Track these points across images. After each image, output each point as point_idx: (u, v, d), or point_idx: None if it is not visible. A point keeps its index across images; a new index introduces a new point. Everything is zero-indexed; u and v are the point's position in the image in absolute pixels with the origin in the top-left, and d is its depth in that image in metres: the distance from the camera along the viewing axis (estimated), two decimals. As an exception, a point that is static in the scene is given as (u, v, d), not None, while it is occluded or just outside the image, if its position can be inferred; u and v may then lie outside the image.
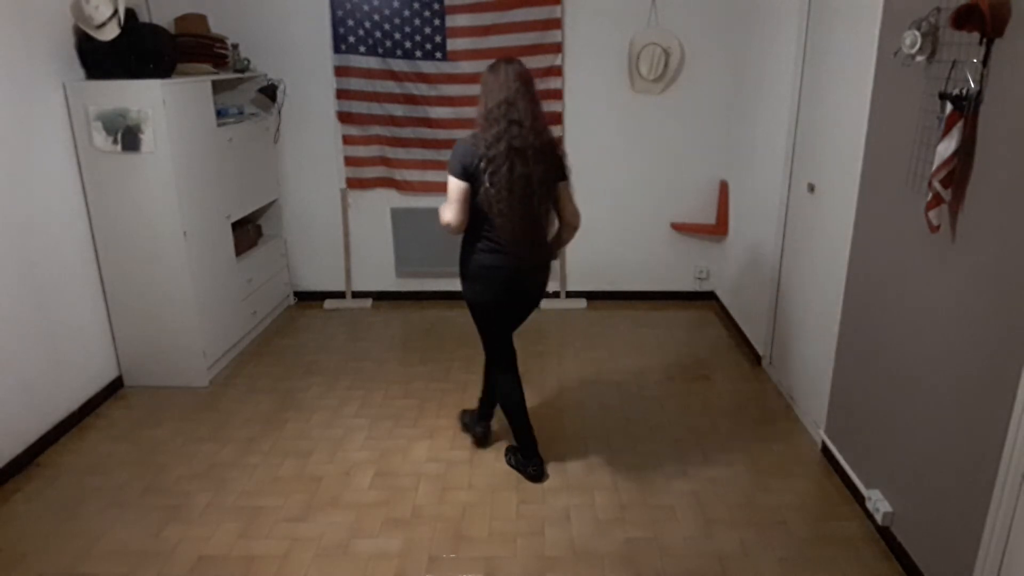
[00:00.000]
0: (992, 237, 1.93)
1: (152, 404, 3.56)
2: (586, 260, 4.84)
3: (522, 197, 2.52)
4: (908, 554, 2.35)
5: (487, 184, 2.51)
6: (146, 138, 3.33)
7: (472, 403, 3.52)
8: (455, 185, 2.55)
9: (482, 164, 2.50)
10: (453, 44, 4.35)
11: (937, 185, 2.05)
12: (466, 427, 3.23)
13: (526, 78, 2.55)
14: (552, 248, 2.78)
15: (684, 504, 2.75)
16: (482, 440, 3.14)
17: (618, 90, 4.48)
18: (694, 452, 3.09)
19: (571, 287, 4.91)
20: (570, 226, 2.74)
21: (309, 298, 4.98)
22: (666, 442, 3.17)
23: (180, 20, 3.98)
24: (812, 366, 3.20)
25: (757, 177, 3.96)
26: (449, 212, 2.58)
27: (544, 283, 2.81)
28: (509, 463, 2.99)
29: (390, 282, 4.93)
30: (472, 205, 2.58)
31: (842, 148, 2.88)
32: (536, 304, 2.89)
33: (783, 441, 3.17)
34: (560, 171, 2.64)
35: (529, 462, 2.92)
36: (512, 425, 2.92)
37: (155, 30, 3.57)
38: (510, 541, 2.56)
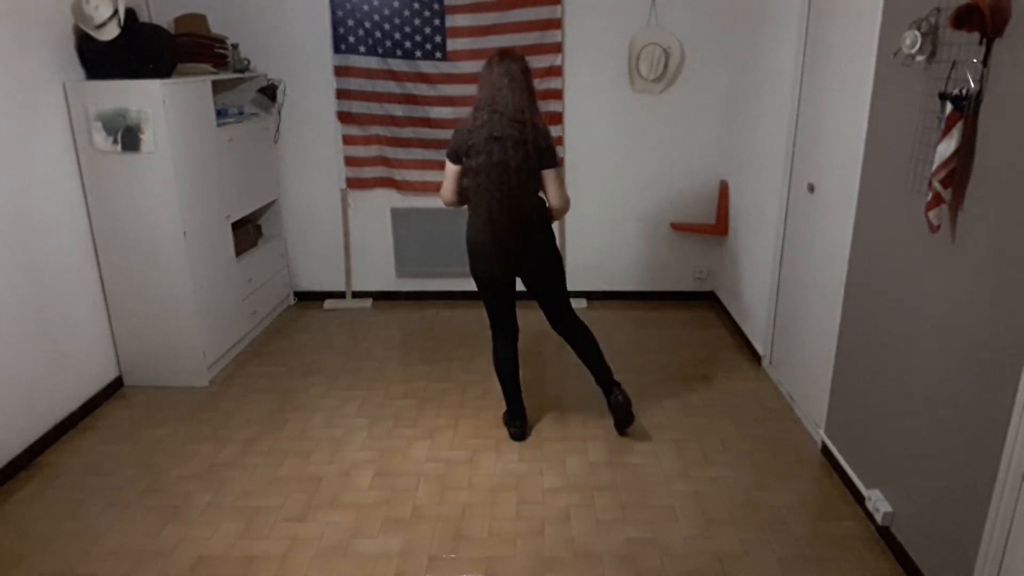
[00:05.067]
0: (992, 237, 1.93)
1: (152, 404, 3.56)
2: (586, 260, 4.84)
3: (498, 182, 2.79)
4: (908, 554, 2.35)
5: (472, 165, 2.82)
6: (146, 138, 3.34)
7: (472, 403, 3.53)
8: (447, 166, 2.92)
9: (466, 147, 2.82)
10: (453, 44, 4.35)
11: (937, 185, 2.05)
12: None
13: (513, 74, 2.79)
14: (536, 225, 2.94)
15: (684, 504, 2.75)
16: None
17: (618, 90, 4.48)
18: (694, 452, 3.09)
19: (571, 287, 4.90)
20: (555, 209, 2.96)
21: (309, 298, 4.98)
22: (666, 441, 3.17)
23: (180, 20, 3.98)
24: (812, 366, 3.20)
25: (757, 177, 3.97)
26: (443, 188, 2.98)
27: (536, 256, 2.99)
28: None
29: (390, 282, 4.93)
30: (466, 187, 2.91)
31: (842, 148, 2.88)
32: (542, 275, 3.05)
33: (783, 441, 3.17)
34: (543, 159, 2.83)
35: (511, 422, 3.20)
36: (500, 385, 3.21)
37: (155, 30, 3.57)
38: (510, 541, 2.56)
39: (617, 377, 3.51)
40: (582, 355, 3.22)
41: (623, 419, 3.16)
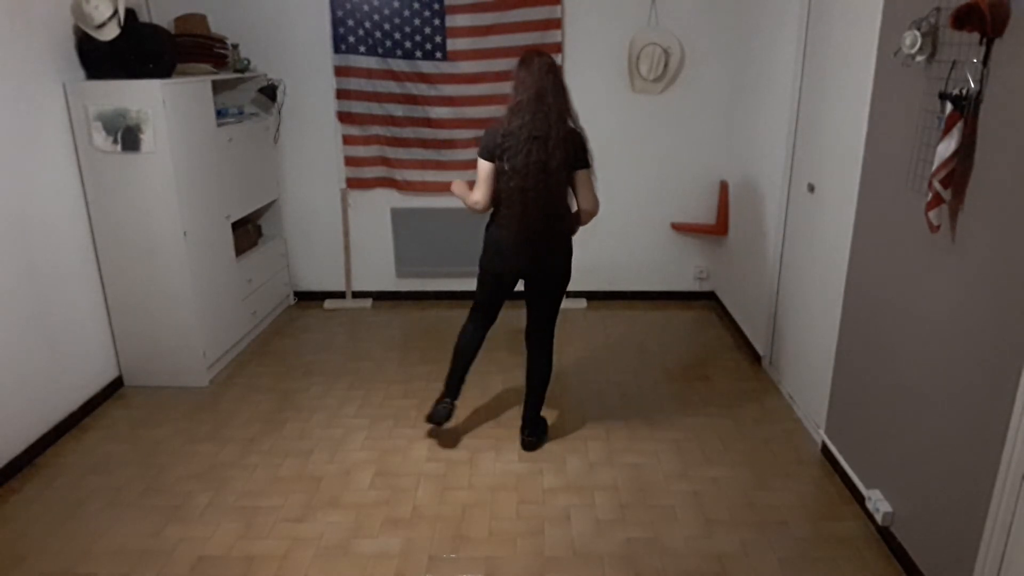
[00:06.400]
0: (992, 237, 1.93)
1: (152, 404, 3.56)
2: (586, 260, 4.82)
3: (535, 183, 2.73)
4: (908, 554, 2.35)
5: (505, 167, 2.76)
6: (146, 138, 3.33)
7: (471, 403, 3.53)
8: (481, 165, 2.82)
9: (500, 150, 2.75)
10: (453, 44, 4.35)
11: (937, 185, 2.05)
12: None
13: (556, 72, 2.77)
14: (565, 230, 2.91)
15: (684, 504, 2.75)
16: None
17: (618, 90, 4.48)
18: (694, 452, 3.09)
19: (571, 287, 4.88)
20: (585, 212, 2.90)
21: (309, 298, 4.98)
22: (666, 442, 3.17)
23: (180, 20, 3.98)
24: (812, 366, 3.20)
25: (757, 177, 3.97)
26: (477, 191, 2.85)
27: (555, 264, 2.94)
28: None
29: (390, 282, 4.93)
30: (497, 186, 2.84)
31: (842, 148, 2.88)
32: (549, 287, 2.99)
33: (783, 441, 3.17)
34: (579, 159, 2.80)
35: (443, 399, 3.12)
36: (452, 361, 3.12)
37: (155, 30, 3.57)
38: (510, 541, 2.56)
39: (617, 377, 3.54)
40: (530, 376, 3.10)
41: (525, 447, 3.13)
